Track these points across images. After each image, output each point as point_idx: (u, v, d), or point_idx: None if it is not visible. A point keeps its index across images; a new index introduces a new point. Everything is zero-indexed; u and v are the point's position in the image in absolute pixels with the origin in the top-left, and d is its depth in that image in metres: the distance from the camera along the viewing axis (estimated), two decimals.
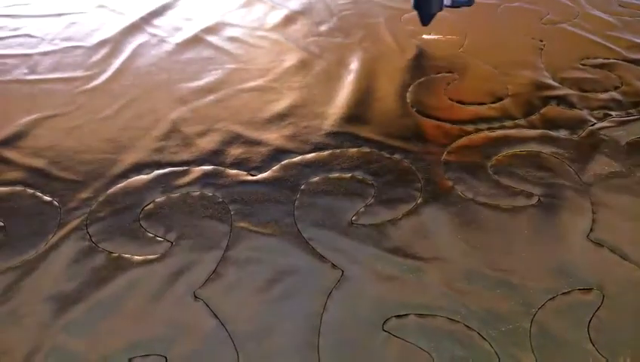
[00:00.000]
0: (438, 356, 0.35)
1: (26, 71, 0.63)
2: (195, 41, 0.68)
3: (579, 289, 0.39)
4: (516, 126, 0.54)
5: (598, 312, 0.37)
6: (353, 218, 0.44)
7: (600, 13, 0.74)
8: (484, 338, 0.36)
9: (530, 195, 0.46)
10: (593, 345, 0.35)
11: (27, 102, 0.58)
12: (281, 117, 0.55)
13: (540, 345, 0.36)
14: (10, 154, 0.51)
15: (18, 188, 0.48)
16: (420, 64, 0.63)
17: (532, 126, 0.54)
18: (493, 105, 0.56)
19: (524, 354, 0.35)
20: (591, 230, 0.43)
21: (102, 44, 0.67)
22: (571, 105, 0.57)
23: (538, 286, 0.39)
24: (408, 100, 0.57)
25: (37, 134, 0.53)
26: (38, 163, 0.50)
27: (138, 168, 0.49)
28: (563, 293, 0.39)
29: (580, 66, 0.63)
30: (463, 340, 0.36)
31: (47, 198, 0.46)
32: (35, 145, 0.52)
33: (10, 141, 0.53)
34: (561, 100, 0.57)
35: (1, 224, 0.45)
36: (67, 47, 0.67)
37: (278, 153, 0.50)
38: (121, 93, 0.58)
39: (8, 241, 0.43)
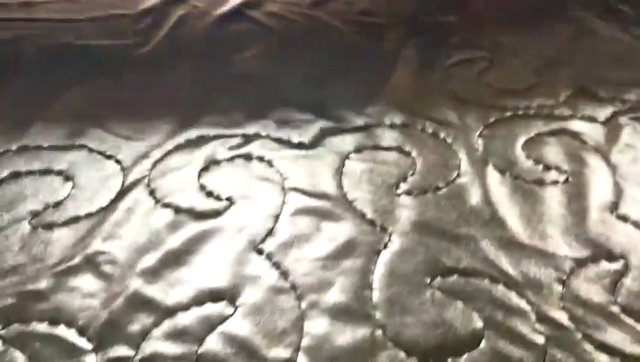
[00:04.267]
0: (478, 312, 0.39)
1: (73, 36, 0.65)
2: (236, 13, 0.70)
3: (605, 259, 0.43)
4: (547, 107, 0.57)
5: (623, 279, 0.41)
6: (397, 188, 0.47)
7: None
8: (521, 297, 0.40)
9: (559, 172, 0.50)
10: (619, 307, 0.39)
11: (78, 66, 0.60)
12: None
13: (571, 305, 0.40)
14: (68, 109, 0.54)
15: (80, 143, 0.51)
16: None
17: (561, 108, 0.57)
18: (525, 87, 0.59)
19: (556, 312, 0.39)
20: (616, 206, 0.47)
21: (146, 12, 0.70)
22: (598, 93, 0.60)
23: (569, 255, 0.43)
24: (445, 80, 0.60)
25: (91, 93, 0.56)
26: (98, 118, 0.53)
27: (195, 129, 0.52)
28: (591, 262, 0.43)
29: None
30: (501, 299, 0.40)
31: (110, 153, 0.50)
32: (91, 99, 0.55)
33: (66, 99, 0.56)
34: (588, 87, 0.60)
35: (69, 175, 0.48)
36: (112, 15, 0.69)
37: (321, 124, 0.54)
38: (169, 61, 0.61)
39: (76, 194, 0.47)
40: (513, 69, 0.62)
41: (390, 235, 0.44)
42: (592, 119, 0.56)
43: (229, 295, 0.40)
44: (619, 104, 0.58)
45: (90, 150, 0.50)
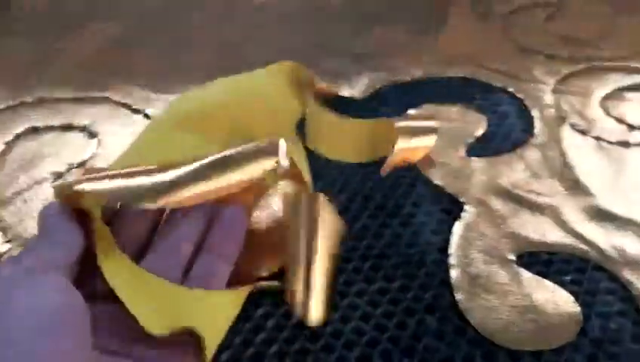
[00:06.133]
0: (572, 294, 0.34)
1: None
2: None
3: None
4: (621, 58, 0.51)
5: None
6: (466, 148, 0.42)
7: None
8: (617, 276, 0.35)
9: None
10: None
11: (90, 7, 0.54)
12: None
13: None
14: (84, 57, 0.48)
15: (103, 95, 0.45)
16: None
17: (638, 60, 0.51)
18: (596, 36, 0.53)
19: None
20: None
21: None
22: None
23: None
24: (507, 29, 0.54)
25: (108, 38, 0.50)
26: (119, 66, 0.47)
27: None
28: None
29: None
30: (597, 278, 0.35)
31: (137, 107, 0.44)
32: (110, 44, 0.49)
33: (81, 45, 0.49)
34: None
35: (93, 132, 0.42)
36: None
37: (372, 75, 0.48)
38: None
39: (102, 153, 0.41)
40: (582, 17, 0.56)
41: (463, 205, 0.38)
42: None
43: None
44: None
45: (115, 103, 0.44)
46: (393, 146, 0.36)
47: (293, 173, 0.32)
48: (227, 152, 0.28)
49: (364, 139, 0.39)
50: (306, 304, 0.28)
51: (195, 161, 0.27)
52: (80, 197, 0.25)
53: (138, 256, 0.27)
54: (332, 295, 0.29)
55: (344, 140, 0.39)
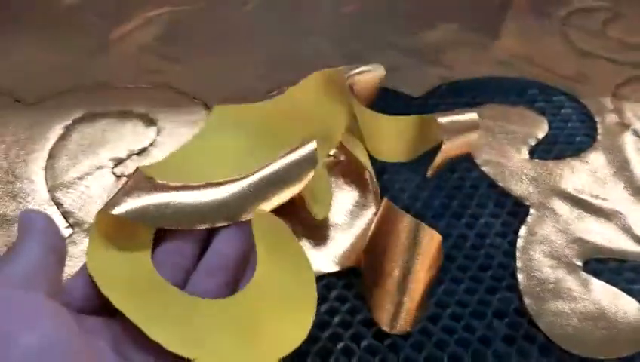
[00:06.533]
0: None
1: None
2: None
3: None
4: None
5: None
6: (528, 150, 0.41)
7: None
8: None
9: None
10: None
11: None
12: None
13: None
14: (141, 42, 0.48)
15: (161, 82, 0.45)
16: None
17: None
18: None
19: None
20: None
21: None
22: None
23: None
24: (565, 31, 0.53)
25: (164, 23, 0.50)
26: (176, 53, 0.47)
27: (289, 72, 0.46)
28: None
29: None
30: None
31: (196, 95, 0.44)
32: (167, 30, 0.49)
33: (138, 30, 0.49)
34: None
35: (152, 119, 0.42)
36: None
37: (433, 72, 0.47)
38: None
39: (162, 140, 0.41)
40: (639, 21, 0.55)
41: (528, 208, 0.38)
42: None
43: None
44: None
45: (174, 91, 0.44)
46: (439, 147, 0.36)
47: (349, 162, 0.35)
48: (270, 169, 0.30)
49: (408, 137, 0.39)
50: (395, 319, 0.30)
51: (239, 178, 0.30)
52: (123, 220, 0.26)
53: (184, 278, 0.27)
54: (421, 314, 0.31)
55: (389, 139, 0.39)
